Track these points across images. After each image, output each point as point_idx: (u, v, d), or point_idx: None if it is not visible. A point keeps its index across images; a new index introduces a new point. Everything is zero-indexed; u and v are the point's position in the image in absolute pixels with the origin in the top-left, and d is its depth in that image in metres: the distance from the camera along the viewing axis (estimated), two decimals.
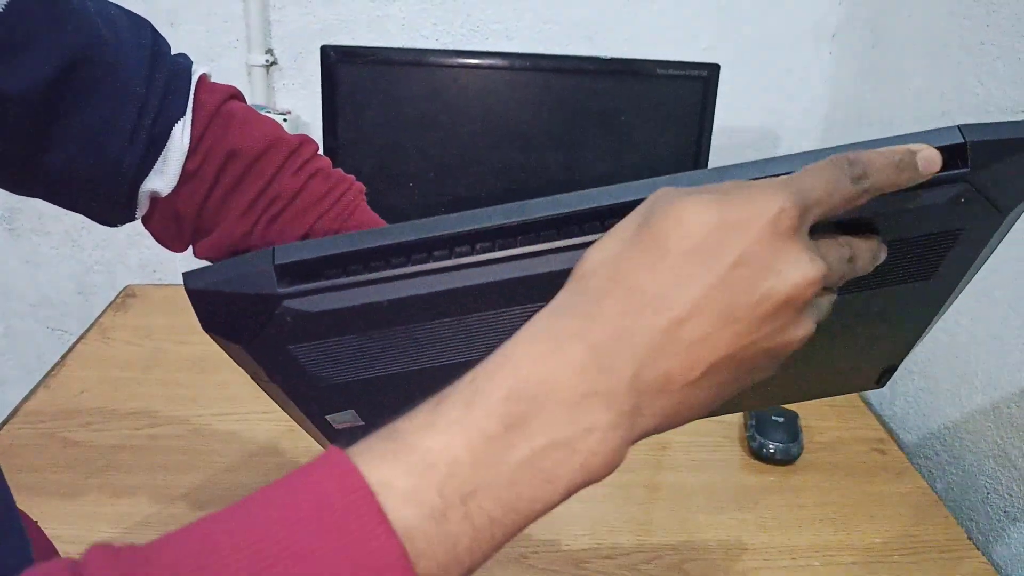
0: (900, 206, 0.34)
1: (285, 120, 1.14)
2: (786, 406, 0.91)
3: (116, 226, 0.57)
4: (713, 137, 1.02)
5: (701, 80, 1.01)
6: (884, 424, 0.96)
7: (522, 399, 0.28)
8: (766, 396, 0.53)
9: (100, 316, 1.12)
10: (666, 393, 0.29)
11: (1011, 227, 0.39)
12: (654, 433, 0.30)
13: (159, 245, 0.59)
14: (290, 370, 0.41)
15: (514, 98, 1.00)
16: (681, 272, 0.29)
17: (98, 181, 0.52)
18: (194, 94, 0.55)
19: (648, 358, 0.29)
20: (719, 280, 0.29)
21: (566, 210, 0.36)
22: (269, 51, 1.15)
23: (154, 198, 0.55)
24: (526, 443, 0.27)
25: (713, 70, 1.00)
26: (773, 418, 0.89)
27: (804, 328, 0.30)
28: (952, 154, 0.34)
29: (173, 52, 0.56)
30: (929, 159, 0.33)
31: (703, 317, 0.29)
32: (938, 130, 0.34)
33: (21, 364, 1.36)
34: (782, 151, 1.25)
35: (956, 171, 0.34)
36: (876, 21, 1.07)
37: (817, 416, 0.95)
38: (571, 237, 0.36)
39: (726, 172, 0.35)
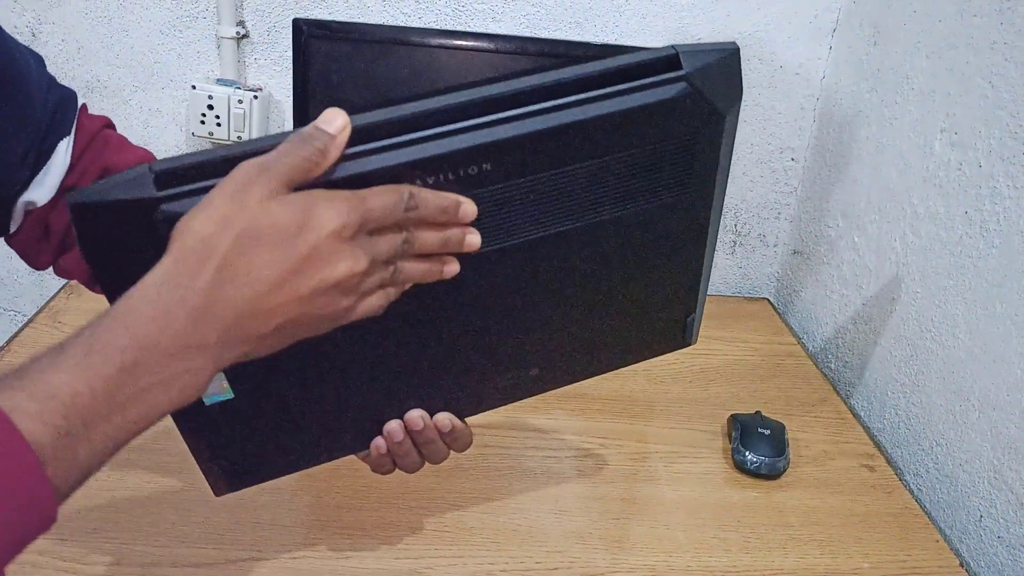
0: (633, 103, 0.43)
1: (256, 97, 1.08)
2: (769, 416, 0.87)
3: None
4: None
5: None
6: (873, 438, 0.92)
7: (134, 350, 0.36)
8: (580, 368, 0.57)
9: (52, 299, 1.05)
10: (247, 342, 0.39)
11: (734, 137, 0.46)
12: (238, 360, 0.40)
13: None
14: None
15: None
16: (265, 257, 0.38)
17: None
18: (77, 118, 0.59)
19: (234, 320, 0.38)
20: (293, 267, 0.38)
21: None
22: (240, 23, 1.08)
23: (28, 211, 0.58)
24: (135, 383, 0.36)
25: None
26: (759, 430, 0.84)
27: (347, 301, 0.42)
28: (670, 64, 0.43)
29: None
30: (467, 211, 0.45)
31: (277, 292, 0.38)
32: (656, 48, 0.44)
33: None
34: (775, 148, 1.20)
35: (674, 72, 0.43)
36: (878, 18, 1.03)
37: (803, 428, 0.91)
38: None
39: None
